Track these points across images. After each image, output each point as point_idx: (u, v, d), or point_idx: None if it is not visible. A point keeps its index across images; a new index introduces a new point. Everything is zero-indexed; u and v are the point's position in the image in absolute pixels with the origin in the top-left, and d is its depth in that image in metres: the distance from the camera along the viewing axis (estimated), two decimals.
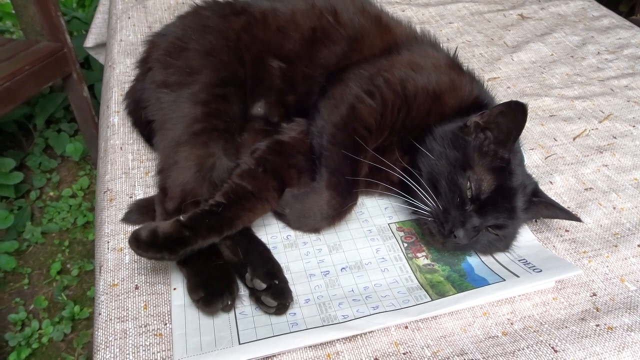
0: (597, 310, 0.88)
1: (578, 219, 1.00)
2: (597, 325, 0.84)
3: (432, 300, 0.87)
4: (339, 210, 0.97)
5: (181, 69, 1.10)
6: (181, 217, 0.87)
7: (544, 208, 0.99)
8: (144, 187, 1.08)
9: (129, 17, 1.62)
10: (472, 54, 1.57)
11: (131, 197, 1.05)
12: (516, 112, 0.90)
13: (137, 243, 0.83)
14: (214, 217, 0.89)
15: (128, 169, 1.11)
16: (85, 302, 2.07)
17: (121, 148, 1.16)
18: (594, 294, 0.91)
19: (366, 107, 1.01)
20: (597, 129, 1.28)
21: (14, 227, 2.27)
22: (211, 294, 0.83)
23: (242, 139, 1.09)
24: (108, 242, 0.96)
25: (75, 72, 2.35)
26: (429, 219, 0.93)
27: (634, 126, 1.29)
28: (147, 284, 0.89)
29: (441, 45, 1.21)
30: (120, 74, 1.38)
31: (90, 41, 2.14)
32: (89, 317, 2.02)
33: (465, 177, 0.92)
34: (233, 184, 0.95)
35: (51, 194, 2.54)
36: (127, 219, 1.00)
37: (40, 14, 2.20)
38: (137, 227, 0.84)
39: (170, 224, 0.85)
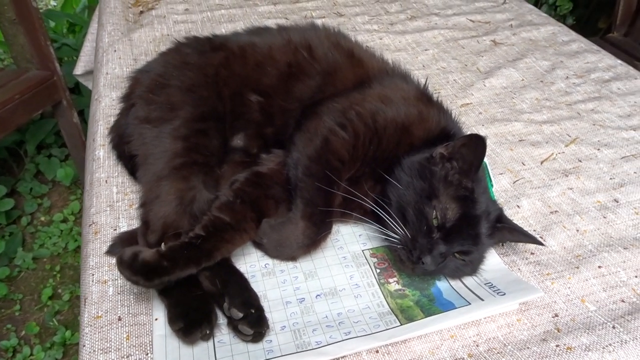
0: (558, 331, 0.93)
1: (540, 243, 1.05)
2: (557, 346, 0.89)
3: (401, 324, 0.91)
4: (314, 239, 1.02)
5: (163, 105, 1.15)
6: (161, 248, 0.91)
7: (508, 233, 1.04)
8: (128, 220, 1.12)
9: (115, 50, 1.68)
10: (447, 80, 1.63)
11: (115, 229, 1.10)
12: (477, 144, 0.96)
13: (120, 261, 0.89)
14: (192, 249, 0.93)
15: (112, 202, 1.16)
16: (76, 327, 2.09)
17: (106, 181, 1.21)
18: (556, 315, 0.96)
19: (339, 140, 1.07)
20: (563, 152, 1.34)
21: (5, 254, 2.30)
22: (191, 324, 0.88)
23: (222, 170, 1.14)
24: (92, 275, 1.00)
25: (65, 99, 2.41)
26: (399, 246, 0.98)
27: (598, 149, 1.35)
28: (130, 315, 0.93)
29: (412, 76, 1.27)
30: (106, 107, 1.43)
31: (79, 69, 2.19)
32: None
33: (432, 206, 0.97)
34: (212, 217, 0.99)
35: (42, 219, 2.57)
36: (111, 251, 1.04)
37: (30, 43, 2.26)
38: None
39: (151, 253, 0.90)
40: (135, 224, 1.11)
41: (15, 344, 2.02)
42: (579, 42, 1.82)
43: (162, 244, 0.93)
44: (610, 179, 1.26)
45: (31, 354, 1.99)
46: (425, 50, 1.78)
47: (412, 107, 1.12)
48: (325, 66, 1.20)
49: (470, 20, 1.96)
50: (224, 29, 1.83)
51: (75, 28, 3.20)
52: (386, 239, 1.01)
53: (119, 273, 0.89)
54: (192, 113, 1.13)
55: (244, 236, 1.01)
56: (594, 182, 1.25)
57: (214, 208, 1.01)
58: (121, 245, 1.05)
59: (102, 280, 0.99)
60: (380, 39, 1.82)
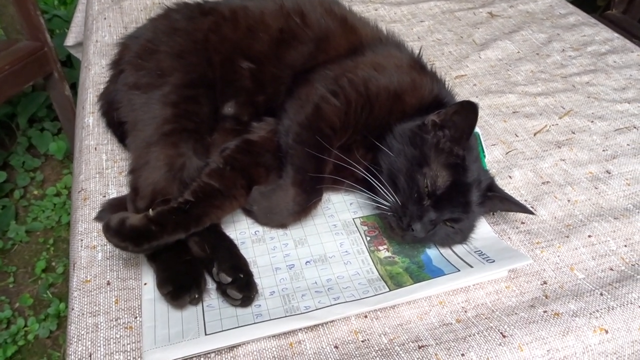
0: (546, 298, 0.93)
1: (531, 212, 1.05)
2: (545, 312, 0.90)
3: (390, 290, 0.91)
4: (304, 206, 1.02)
5: (152, 71, 1.13)
6: (150, 212, 0.91)
7: (498, 202, 1.04)
8: (118, 187, 1.11)
9: (105, 18, 1.65)
10: (442, 52, 1.62)
11: (105, 196, 1.09)
12: (468, 111, 0.95)
13: (107, 228, 0.88)
14: (181, 214, 0.93)
15: (102, 169, 1.15)
16: None
17: (95, 148, 1.20)
18: (545, 282, 0.96)
19: (331, 107, 1.05)
20: (557, 124, 1.33)
21: None
22: (179, 288, 0.87)
23: (212, 138, 1.13)
24: (82, 240, 1.00)
25: (56, 71, 2.37)
26: (389, 213, 0.98)
27: (592, 121, 1.34)
28: (119, 280, 0.93)
29: (406, 45, 1.25)
30: (96, 75, 1.41)
31: (70, 40, 2.15)
32: None
33: (422, 173, 0.96)
34: (202, 183, 0.99)
35: (35, 192, 2.56)
36: (100, 217, 1.04)
37: (19, 13, 2.22)
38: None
39: (138, 218, 0.89)
40: (124, 191, 1.10)
41: (10, 316, 2.03)
42: (576, 15, 1.80)
43: (150, 209, 0.92)
44: (603, 150, 1.26)
45: (25, 325, 1.99)
46: (421, 21, 1.76)
47: (405, 75, 1.11)
48: (317, 33, 1.18)
49: None
50: None
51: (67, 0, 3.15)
52: (377, 206, 1.01)
53: (118, 253, 0.89)
54: (182, 79, 1.12)
55: (233, 203, 1.01)
56: (586, 154, 1.25)
57: (204, 174, 1.01)
58: (110, 212, 1.04)
59: (90, 245, 0.99)
60: (376, 10, 1.80)
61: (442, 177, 0.96)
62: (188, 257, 0.93)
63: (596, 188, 1.16)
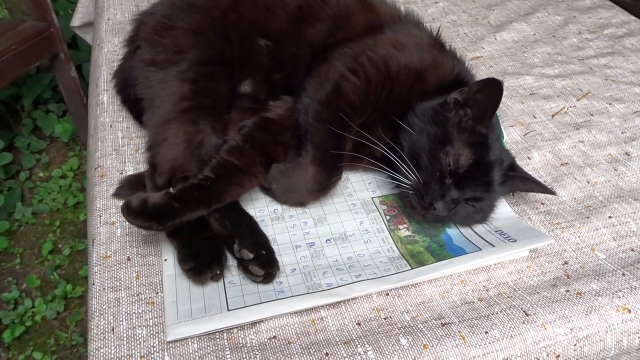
0: (568, 277, 0.93)
1: (552, 192, 1.04)
2: (567, 291, 0.89)
3: (412, 268, 0.91)
4: (324, 184, 1.01)
5: (169, 47, 1.11)
6: (171, 190, 0.90)
7: (520, 182, 1.03)
8: (134, 164, 1.10)
9: None
10: (457, 33, 1.60)
11: (122, 173, 1.08)
12: (492, 89, 0.94)
13: (128, 210, 0.86)
14: (202, 190, 0.92)
15: (118, 146, 1.14)
16: (77, 281, 2.09)
17: (111, 126, 1.18)
18: (566, 262, 0.96)
19: (350, 85, 1.04)
20: (575, 106, 1.32)
21: (4, 208, 2.28)
22: (201, 264, 0.87)
23: (229, 116, 1.12)
24: (100, 217, 0.99)
25: (62, 52, 2.35)
26: (410, 192, 0.97)
27: (610, 104, 1.33)
28: (139, 256, 0.93)
29: (425, 24, 1.23)
30: (109, 53, 1.40)
31: (76, 20, 2.13)
32: (82, 295, 2.05)
33: (445, 151, 0.95)
34: (221, 159, 0.98)
35: (41, 174, 2.55)
36: (118, 194, 1.03)
37: None
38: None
39: (160, 196, 0.88)
40: (141, 168, 1.09)
41: (17, 297, 2.03)
42: None
43: (171, 187, 0.91)
44: (622, 132, 1.25)
45: (32, 306, 1.99)
46: (435, 2, 1.74)
47: (426, 53, 1.09)
48: (336, 11, 1.17)
49: None
50: None
51: None
52: (397, 185, 1.00)
53: (136, 230, 0.88)
54: (200, 56, 1.10)
55: (252, 180, 1.00)
56: (605, 136, 1.24)
57: (223, 151, 1.00)
58: (128, 188, 1.03)
59: (109, 221, 0.98)
60: None
61: (465, 156, 0.95)
62: (209, 234, 0.92)
63: (615, 170, 1.15)
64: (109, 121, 1.20)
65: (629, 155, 1.19)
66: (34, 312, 1.98)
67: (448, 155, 0.95)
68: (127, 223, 0.97)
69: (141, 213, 0.86)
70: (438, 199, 0.93)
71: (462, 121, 0.98)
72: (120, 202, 1.01)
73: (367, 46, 1.10)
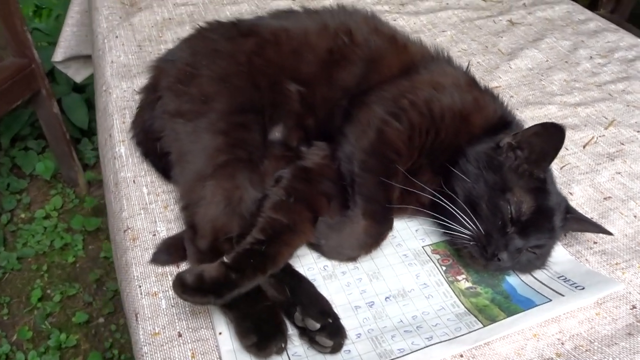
0: None
1: (609, 233, 1.02)
2: None
3: (484, 326, 0.86)
4: (376, 238, 0.96)
5: (195, 96, 1.05)
6: (225, 259, 0.83)
7: (575, 223, 1.01)
8: (166, 223, 1.03)
9: (117, 37, 1.55)
10: (470, 62, 1.57)
11: (154, 234, 1.00)
12: (552, 134, 0.91)
13: (183, 288, 0.79)
14: (257, 255, 0.86)
15: (145, 204, 1.06)
16: (70, 328, 1.98)
17: (134, 181, 1.11)
18: (634, 307, 0.93)
19: (394, 131, 1.00)
20: (603, 135, 1.31)
21: None
22: (264, 338, 0.80)
23: (264, 167, 1.06)
24: (140, 287, 0.91)
25: (44, 89, 2.26)
26: (471, 242, 0.93)
27: (638, 131, 1.32)
28: (190, 330, 0.85)
29: (454, 59, 1.21)
30: (118, 99, 1.32)
31: (59, 55, 2.04)
32: (76, 344, 1.94)
33: (505, 199, 0.92)
34: (268, 218, 0.92)
35: (22, 216, 2.42)
36: (156, 259, 0.95)
37: (5, 29, 2.09)
38: (180, 271, 0.82)
39: (215, 267, 0.82)
40: (173, 227, 1.02)
41: (8, 351, 1.90)
42: (596, 21, 1.80)
43: (224, 256, 0.84)
44: None
45: None
46: (443, 31, 1.72)
47: (466, 93, 1.06)
48: (367, 52, 1.13)
49: (483, 0, 1.91)
50: (228, 12, 1.72)
51: (42, 12, 2.99)
52: (450, 234, 0.96)
53: (183, 301, 0.81)
54: (229, 105, 1.04)
55: (302, 238, 0.95)
56: None
57: (268, 208, 0.94)
58: (166, 252, 0.96)
59: (151, 292, 0.90)
60: (394, 20, 1.75)
61: (527, 203, 0.92)
62: (267, 303, 0.86)
63: None
64: (131, 176, 1.12)
65: None
66: None
67: (509, 203, 0.91)
68: (170, 292, 0.90)
69: (199, 289, 0.79)
70: (502, 249, 0.90)
71: (520, 167, 0.94)
72: (159, 269, 0.95)
73: (405, 89, 1.06)
